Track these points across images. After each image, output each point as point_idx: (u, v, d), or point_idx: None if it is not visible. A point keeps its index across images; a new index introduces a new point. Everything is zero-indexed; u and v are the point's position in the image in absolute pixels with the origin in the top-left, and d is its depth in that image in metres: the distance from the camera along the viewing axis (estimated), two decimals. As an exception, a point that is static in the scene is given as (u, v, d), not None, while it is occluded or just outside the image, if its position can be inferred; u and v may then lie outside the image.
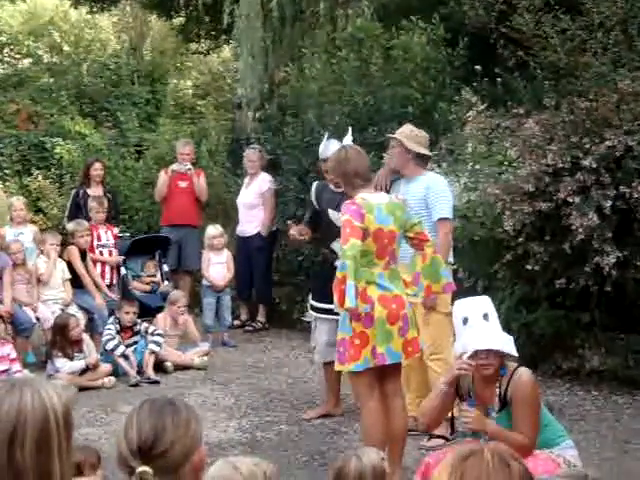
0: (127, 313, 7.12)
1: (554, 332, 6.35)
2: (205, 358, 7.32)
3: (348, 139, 4.83)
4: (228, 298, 8.18)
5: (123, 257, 8.27)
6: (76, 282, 7.58)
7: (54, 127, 10.75)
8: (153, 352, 7.02)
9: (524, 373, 3.67)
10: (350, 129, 5.00)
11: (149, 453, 1.90)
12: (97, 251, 8.01)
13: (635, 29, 7.12)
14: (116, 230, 8.42)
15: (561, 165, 6.06)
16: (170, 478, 1.92)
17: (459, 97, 7.76)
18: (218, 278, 8.09)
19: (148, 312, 7.75)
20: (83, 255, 7.70)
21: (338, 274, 4.19)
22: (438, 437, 5.20)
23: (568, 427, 4.32)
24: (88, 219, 8.03)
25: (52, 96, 11.41)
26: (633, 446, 5.20)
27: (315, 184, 5.90)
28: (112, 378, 6.78)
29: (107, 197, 8.54)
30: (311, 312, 5.86)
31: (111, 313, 7.36)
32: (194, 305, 8.57)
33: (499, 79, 7.73)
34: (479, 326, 3.68)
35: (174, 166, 8.88)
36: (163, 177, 8.88)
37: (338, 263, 4.35)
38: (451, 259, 5.38)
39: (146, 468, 1.88)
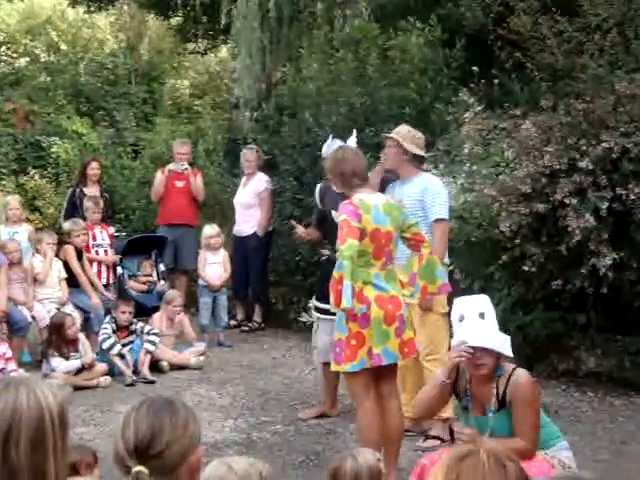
0: (123, 312, 7.12)
1: (550, 333, 6.36)
2: (201, 358, 7.32)
3: (352, 140, 4.83)
4: (224, 298, 8.17)
5: (119, 256, 8.26)
6: (72, 281, 7.57)
7: (51, 126, 10.73)
8: (149, 352, 7.02)
9: (522, 375, 3.67)
10: (355, 131, 5.00)
11: (146, 453, 1.89)
12: (93, 251, 8.00)
13: (632, 31, 7.13)
14: (112, 230, 8.42)
15: (558, 166, 6.07)
16: (167, 478, 1.91)
17: (456, 98, 7.77)
18: (214, 278, 8.09)
19: (144, 312, 7.75)
20: (79, 254, 7.70)
21: (335, 274, 4.19)
22: (434, 438, 5.20)
23: (564, 428, 4.32)
24: (84, 218, 8.03)
25: (49, 95, 11.40)
26: (628, 448, 5.21)
27: (319, 185, 5.91)
28: (108, 377, 6.78)
29: (104, 196, 8.54)
30: (314, 313, 5.87)
31: (107, 312, 7.35)
32: (190, 305, 8.57)
33: (496, 80, 7.74)
34: (474, 324, 3.68)
35: (171, 166, 8.87)
36: (160, 177, 8.88)
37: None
38: (446, 260, 5.38)
39: (142, 468, 1.87)
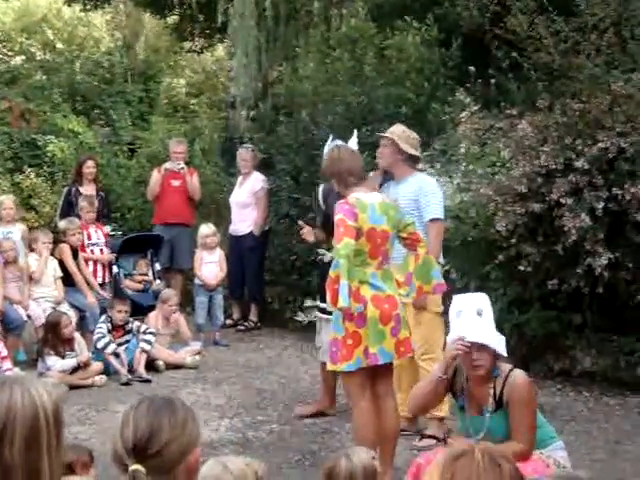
0: (119, 311, 7.11)
1: (546, 333, 6.37)
2: (197, 357, 7.31)
3: (353, 141, 4.83)
4: (220, 297, 8.17)
5: (115, 255, 8.26)
6: (68, 280, 7.56)
7: (47, 125, 10.70)
8: (144, 351, 7.01)
9: (519, 375, 3.66)
10: (355, 131, 5.00)
11: (144, 452, 1.89)
12: (88, 250, 8.00)
13: (628, 31, 7.14)
14: (107, 229, 8.41)
15: (554, 166, 6.08)
16: (164, 478, 1.91)
17: (453, 98, 7.78)
18: (210, 277, 8.08)
19: (140, 311, 7.74)
20: (75, 253, 7.69)
21: (331, 273, 4.19)
22: (430, 437, 5.21)
23: (559, 428, 4.33)
24: (80, 217, 8.02)
25: (45, 93, 11.36)
26: (623, 447, 5.21)
27: (321, 186, 5.91)
28: (103, 377, 6.77)
29: (99, 195, 8.54)
30: (317, 313, 5.86)
31: (103, 311, 7.34)
32: (186, 304, 8.56)
33: (493, 80, 7.74)
34: (471, 320, 3.68)
35: (167, 165, 8.87)
36: (156, 176, 8.87)
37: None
38: (441, 259, 5.39)
39: (139, 467, 1.87)
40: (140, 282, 8.44)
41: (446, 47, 8.58)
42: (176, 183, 8.79)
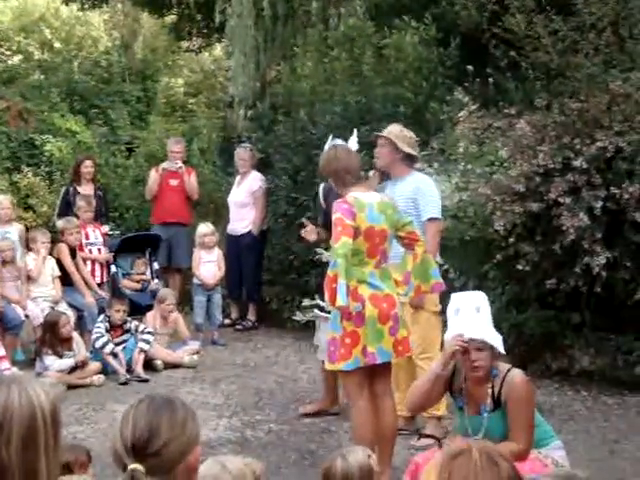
0: (117, 311, 7.10)
1: (544, 332, 6.37)
2: (195, 356, 7.31)
3: (353, 140, 4.82)
4: (218, 297, 8.17)
5: (113, 254, 8.25)
6: (66, 280, 7.56)
7: (44, 124, 10.69)
8: (143, 350, 7.01)
9: (518, 375, 3.66)
10: (355, 131, 5.00)
11: (143, 451, 1.89)
12: (86, 249, 8.00)
13: (626, 30, 7.14)
14: (105, 228, 8.41)
15: (552, 166, 6.08)
16: (163, 477, 1.90)
17: (451, 97, 7.77)
18: (209, 276, 8.08)
19: (138, 310, 7.74)
20: (73, 253, 7.68)
21: (329, 272, 4.19)
22: (428, 437, 5.20)
23: (557, 427, 4.32)
24: (78, 217, 8.01)
25: (43, 93, 11.35)
26: (622, 446, 5.21)
27: (322, 185, 5.91)
28: (101, 376, 6.76)
29: (97, 195, 8.53)
30: (316, 311, 5.86)
31: (101, 311, 7.34)
32: (184, 303, 8.56)
33: (491, 79, 7.74)
34: (470, 317, 3.67)
35: (165, 164, 8.86)
36: (154, 175, 8.87)
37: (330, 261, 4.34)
38: (438, 258, 5.38)
39: (138, 466, 1.87)
40: (138, 282, 8.44)
41: (444, 46, 8.58)
42: (174, 182, 8.79)
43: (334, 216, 4.31)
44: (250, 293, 8.72)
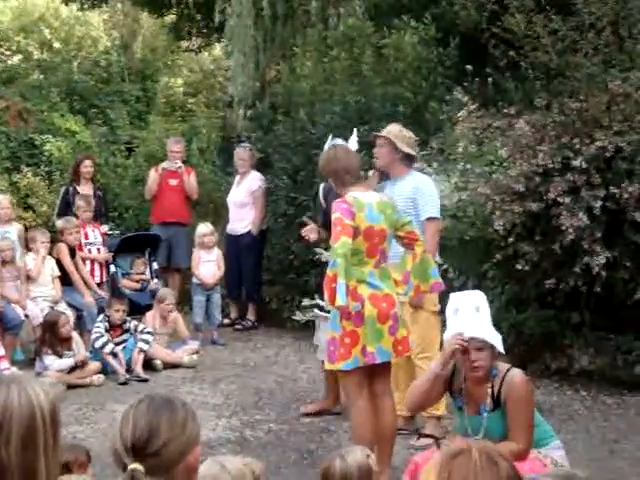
0: (117, 311, 7.10)
1: (543, 332, 6.37)
2: (194, 356, 7.31)
3: (353, 140, 4.82)
4: (218, 296, 8.17)
5: (112, 254, 8.25)
6: (65, 279, 7.55)
7: (44, 124, 10.69)
8: (142, 350, 7.01)
9: (517, 374, 3.66)
10: (355, 130, 5.00)
11: (143, 451, 1.89)
12: (85, 249, 8.00)
13: (626, 30, 7.14)
14: (105, 228, 8.41)
15: (551, 165, 6.08)
16: (163, 477, 1.90)
17: (450, 97, 7.77)
18: (208, 276, 8.08)
19: (137, 310, 7.74)
20: (72, 252, 7.68)
21: (329, 272, 4.19)
22: (427, 436, 5.20)
23: (556, 427, 4.32)
24: (77, 216, 8.01)
25: (42, 93, 11.35)
26: (621, 446, 5.21)
27: (322, 185, 5.91)
28: (101, 376, 6.76)
29: (97, 195, 8.53)
30: (316, 311, 5.86)
31: (100, 311, 7.34)
32: (184, 303, 8.56)
33: (490, 79, 7.74)
34: (469, 316, 3.67)
35: (164, 164, 8.86)
36: (153, 175, 8.87)
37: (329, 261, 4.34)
38: (437, 258, 5.38)
39: (137, 465, 1.87)
40: (138, 281, 8.44)
41: (443, 46, 8.58)
42: (174, 182, 8.79)
43: (333, 216, 4.31)
44: (250, 293, 8.72)
